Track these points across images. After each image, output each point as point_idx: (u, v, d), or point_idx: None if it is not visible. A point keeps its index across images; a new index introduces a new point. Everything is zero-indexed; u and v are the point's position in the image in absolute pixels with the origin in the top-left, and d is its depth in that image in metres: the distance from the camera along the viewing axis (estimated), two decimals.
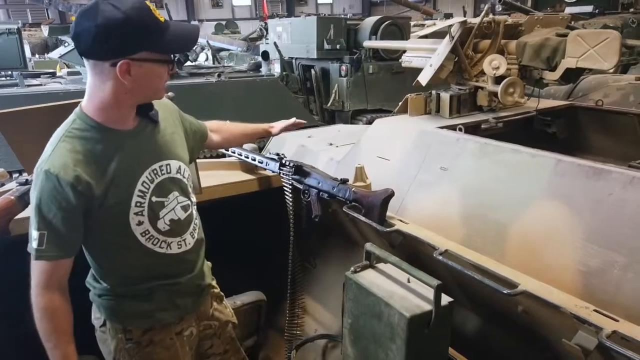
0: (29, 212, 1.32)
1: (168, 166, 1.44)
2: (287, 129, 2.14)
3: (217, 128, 1.87)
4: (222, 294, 1.80)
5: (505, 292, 1.34)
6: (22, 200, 1.54)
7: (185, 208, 1.49)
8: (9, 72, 6.52)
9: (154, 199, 1.39)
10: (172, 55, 1.36)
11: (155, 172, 1.40)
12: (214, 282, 1.76)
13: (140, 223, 1.37)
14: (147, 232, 1.39)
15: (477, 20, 2.88)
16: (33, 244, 1.27)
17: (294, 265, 2.23)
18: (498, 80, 2.76)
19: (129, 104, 1.33)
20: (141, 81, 1.27)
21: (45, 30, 7.52)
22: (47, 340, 1.32)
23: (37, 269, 1.30)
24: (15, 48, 6.19)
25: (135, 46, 1.23)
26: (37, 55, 11.52)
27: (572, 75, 2.77)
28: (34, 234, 1.27)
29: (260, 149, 4.20)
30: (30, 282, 1.31)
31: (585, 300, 1.41)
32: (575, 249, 1.73)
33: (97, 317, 1.51)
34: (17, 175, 4.00)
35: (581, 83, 4.26)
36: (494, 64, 2.71)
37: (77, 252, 1.35)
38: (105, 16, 1.19)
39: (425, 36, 3.12)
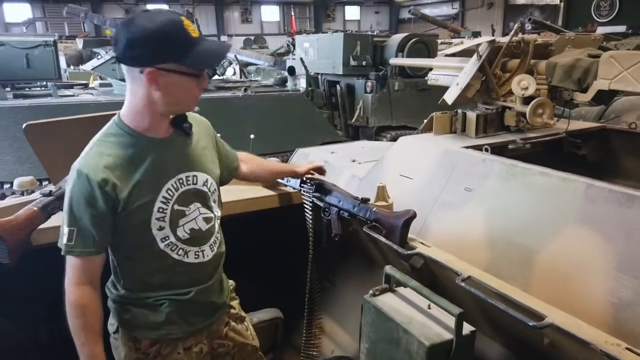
0: (58, 217, 1.39)
1: (195, 177, 1.48)
2: (311, 171, 2.13)
3: (245, 159, 1.89)
4: (243, 315, 1.78)
5: (531, 324, 1.28)
6: (45, 211, 1.56)
7: (207, 220, 1.51)
8: (44, 83, 6.74)
9: (176, 207, 1.43)
10: (205, 71, 1.40)
11: (180, 181, 1.44)
12: (233, 302, 1.74)
13: (161, 228, 1.41)
14: (167, 238, 1.43)
15: (505, 39, 2.84)
16: (63, 239, 1.33)
17: (312, 283, 2.20)
18: (527, 100, 2.70)
19: (159, 113, 1.38)
20: (168, 91, 1.32)
21: (80, 43, 7.77)
22: (77, 337, 1.36)
23: (69, 265, 1.35)
24: (50, 60, 6.36)
25: (163, 56, 1.29)
26: (72, 67, 11.89)
27: (605, 97, 2.69)
28: (64, 229, 1.34)
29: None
30: (65, 277, 1.36)
31: (616, 334, 1.34)
32: (606, 279, 1.65)
33: (111, 322, 1.54)
34: (46, 183, 4.09)
35: (613, 104, 4.14)
36: (522, 84, 2.65)
37: (106, 250, 1.41)
38: (138, 26, 1.27)
39: (453, 54, 3.08)
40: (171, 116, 1.48)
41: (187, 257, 1.47)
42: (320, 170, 2.17)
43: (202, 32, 1.39)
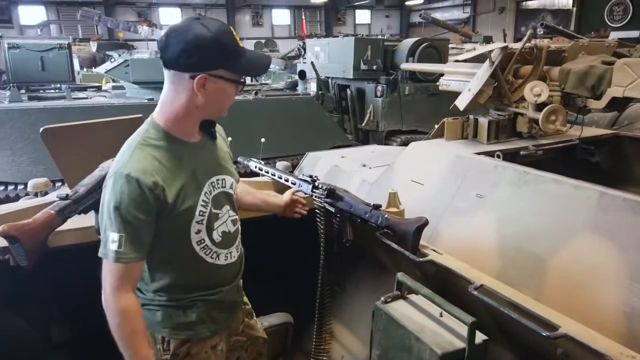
0: (102, 217, 1.34)
1: (223, 181, 1.52)
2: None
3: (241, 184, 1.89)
4: (252, 310, 1.84)
5: (544, 334, 1.28)
6: (62, 215, 1.58)
7: (234, 222, 1.56)
8: (58, 85, 6.83)
9: (212, 210, 1.46)
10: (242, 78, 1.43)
11: (213, 184, 1.48)
12: (245, 299, 1.80)
13: (198, 232, 1.43)
14: (202, 241, 1.45)
15: (518, 45, 2.83)
16: (112, 247, 1.29)
17: (323, 288, 2.19)
18: (539, 107, 2.69)
19: (197, 118, 1.41)
20: (213, 97, 1.35)
21: (93, 46, 7.85)
22: (127, 343, 1.32)
23: (113, 272, 1.31)
24: (65, 62, 6.46)
25: (216, 63, 1.32)
26: (84, 69, 12.03)
27: (619, 104, 2.67)
28: (112, 236, 1.29)
29: (293, 167, 4.22)
30: (103, 286, 1.32)
31: (629, 345, 1.33)
32: (619, 288, 1.64)
33: None
34: (59, 184, 4.13)
35: (627, 111, 4.12)
36: (535, 90, 2.65)
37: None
38: (196, 33, 1.30)
39: (465, 60, 3.08)
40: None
41: (219, 259, 1.51)
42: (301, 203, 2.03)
43: None
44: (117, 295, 1.31)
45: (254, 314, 1.85)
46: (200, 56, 1.30)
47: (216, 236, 1.49)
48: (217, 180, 1.50)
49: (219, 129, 1.62)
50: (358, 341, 2.40)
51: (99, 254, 1.33)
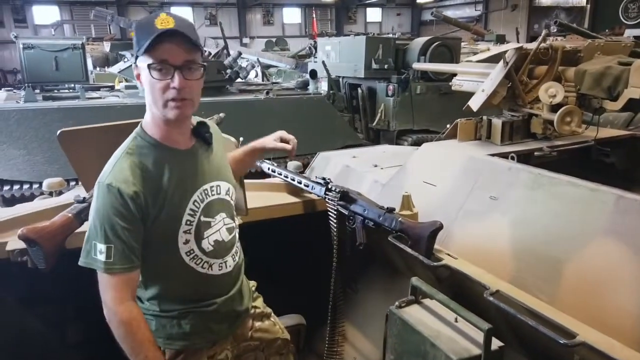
0: (88, 226, 1.34)
1: (218, 187, 1.48)
2: (280, 143, 1.83)
3: None
4: (268, 311, 1.79)
5: (562, 342, 1.26)
6: (79, 218, 1.60)
7: (230, 230, 1.51)
8: (72, 85, 6.91)
9: (202, 218, 1.42)
10: (175, 71, 1.28)
11: (206, 192, 1.44)
12: (257, 302, 1.75)
13: (186, 242, 1.40)
14: (192, 252, 1.41)
15: (533, 45, 2.80)
16: (100, 257, 1.27)
17: (336, 291, 2.20)
18: (554, 108, 2.66)
19: (160, 118, 1.35)
20: (146, 89, 1.32)
21: (107, 46, 7.94)
22: (137, 353, 1.30)
23: (107, 284, 1.29)
24: (78, 62, 6.52)
25: (136, 51, 1.30)
26: (98, 69, 12.13)
27: (635, 106, 2.63)
28: (99, 247, 1.27)
29: (304, 166, 4.22)
30: (103, 299, 1.30)
31: None
32: (637, 293, 1.62)
33: None
34: (73, 183, 4.18)
35: None
36: (550, 91, 2.61)
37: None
38: None
39: (479, 61, 3.06)
40: (191, 127, 1.47)
41: (212, 269, 1.46)
42: (288, 143, 1.86)
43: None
44: (117, 308, 1.29)
45: (271, 315, 1.80)
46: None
47: (207, 245, 1.44)
48: (211, 187, 1.46)
49: (216, 132, 1.58)
50: (370, 344, 2.40)
51: (80, 263, 1.31)
